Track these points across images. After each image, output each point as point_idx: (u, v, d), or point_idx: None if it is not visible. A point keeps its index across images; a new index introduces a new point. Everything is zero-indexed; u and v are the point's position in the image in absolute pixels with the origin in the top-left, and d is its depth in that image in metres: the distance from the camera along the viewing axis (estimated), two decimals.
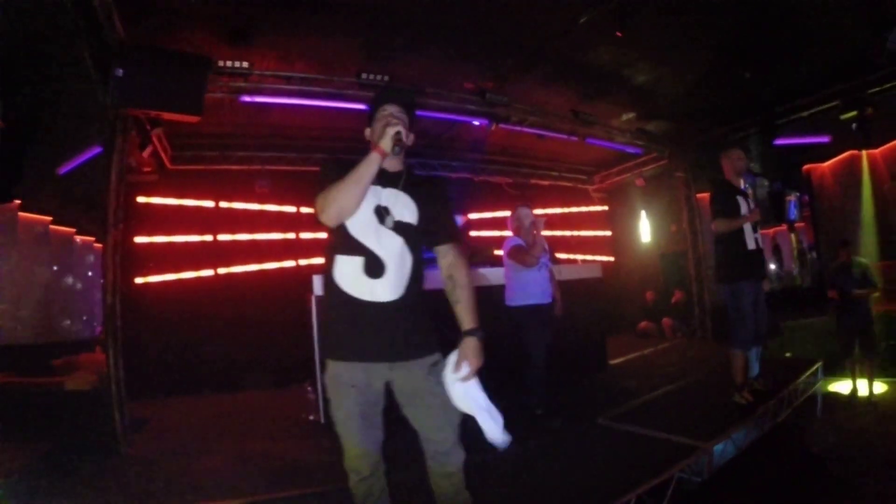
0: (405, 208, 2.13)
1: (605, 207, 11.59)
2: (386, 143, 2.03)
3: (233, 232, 8.10)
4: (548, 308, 4.53)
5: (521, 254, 4.43)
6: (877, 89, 6.73)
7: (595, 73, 6.75)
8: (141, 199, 7.43)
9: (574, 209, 11.31)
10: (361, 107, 6.60)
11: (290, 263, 8.47)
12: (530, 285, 4.45)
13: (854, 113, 6.46)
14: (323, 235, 2.27)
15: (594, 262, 9.97)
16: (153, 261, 7.44)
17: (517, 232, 4.71)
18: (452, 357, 2.10)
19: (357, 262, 2.03)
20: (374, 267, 2.03)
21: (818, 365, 5.43)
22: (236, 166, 8.01)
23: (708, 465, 3.49)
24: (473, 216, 10.28)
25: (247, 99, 6.13)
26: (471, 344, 2.08)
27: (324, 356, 2.12)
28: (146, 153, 6.34)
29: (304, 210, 8.58)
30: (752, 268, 4.31)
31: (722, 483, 3.55)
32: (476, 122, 7.54)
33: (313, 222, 8.25)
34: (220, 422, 5.42)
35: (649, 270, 10.78)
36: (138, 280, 7.29)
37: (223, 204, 8.10)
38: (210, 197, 7.98)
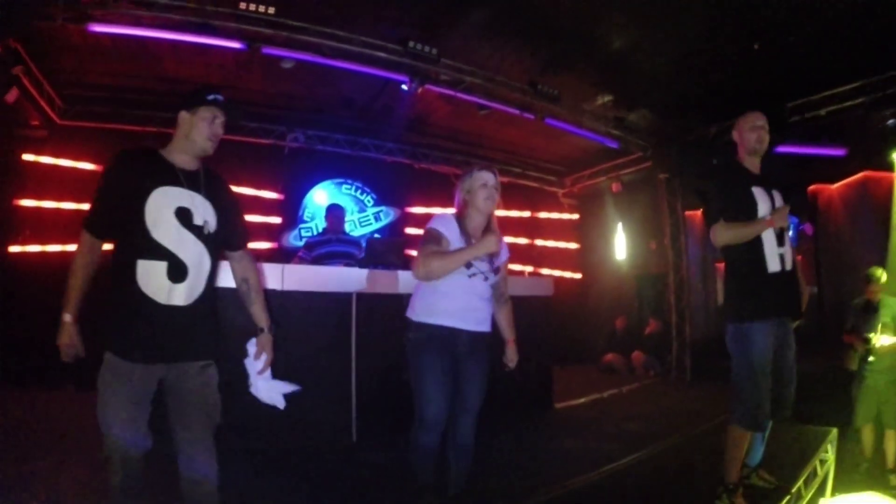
0: (205, 212, 2.15)
1: (576, 216, 10.24)
2: None
3: None
4: (475, 340, 2.73)
5: (435, 242, 2.65)
6: None
7: (557, 29, 5.40)
8: (28, 157, 6.59)
9: (540, 214, 9.97)
10: (236, 45, 5.37)
11: None
12: (449, 298, 2.68)
13: None
14: None
15: (546, 276, 8.64)
16: (36, 228, 6.59)
17: (463, 208, 2.80)
18: (251, 349, 2.38)
19: (160, 266, 2.03)
20: (177, 271, 2.05)
21: (833, 434, 3.98)
22: (131, 126, 6.99)
23: None
24: (412, 210, 8.87)
25: (98, 28, 5.17)
26: (265, 339, 2.36)
27: (104, 348, 2.04)
28: (10, 97, 5.49)
29: None
30: (774, 300, 2.76)
31: None
32: (404, 87, 6.11)
33: None
34: (54, 426, 4.51)
35: (622, 293, 9.40)
36: (13, 248, 6.46)
37: None
38: (100, 160, 6.84)
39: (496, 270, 2.79)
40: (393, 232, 8.66)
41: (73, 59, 6.14)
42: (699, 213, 7.95)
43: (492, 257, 2.74)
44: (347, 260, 5.08)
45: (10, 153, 6.41)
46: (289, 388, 2.44)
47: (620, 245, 9.43)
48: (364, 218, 8.53)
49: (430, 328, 2.66)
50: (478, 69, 6.17)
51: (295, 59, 5.53)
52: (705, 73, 6.03)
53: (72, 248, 5.62)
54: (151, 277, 2.01)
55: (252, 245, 7.84)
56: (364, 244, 5.29)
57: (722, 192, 2.89)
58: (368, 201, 8.63)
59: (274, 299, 4.04)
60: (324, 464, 3.69)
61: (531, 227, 9.87)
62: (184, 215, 2.06)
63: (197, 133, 2.13)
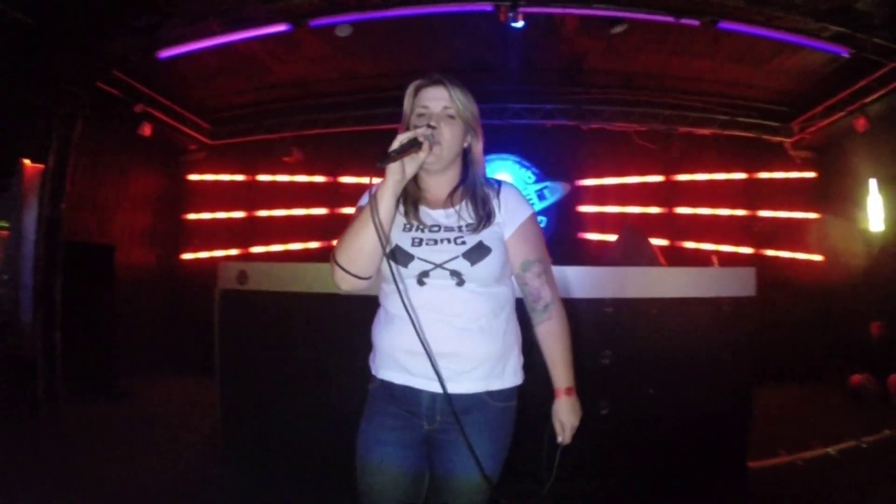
0: None
1: (811, 174, 7.64)
2: None
3: (268, 207, 8.19)
4: (448, 408, 1.42)
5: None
6: None
7: None
8: (192, 178, 8.29)
9: (762, 175, 7.75)
10: (282, 28, 5.11)
11: (314, 244, 7.91)
12: (388, 331, 1.52)
13: None
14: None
15: (754, 264, 6.66)
16: (199, 237, 8.16)
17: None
18: None
19: None
20: None
21: None
22: (271, 135, 7.81)
23: None
24: (585, 182, 7.69)
25: (167, 53, 5.32)
26: None
27: None
28: (145, 131, 6.58)
29: (342, 179, 8.13)
30: None
31: None
32: (515, 24, 5.15)
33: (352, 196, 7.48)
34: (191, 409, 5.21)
35: (879, 283, 6.61)
36: (184, 256, 8.15)
37: (263, 177, 8.22)
38: (246, 171, 8.23)
39: (474, 256, 1.44)
40: (562, 211, 7.68)
41: (198, 88, 6.97)
42: None
43: (481, 225, 1.49)
44: None
45: (178, 177, 8.21)
46: None
47: (875, 211, 6.62)
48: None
49: (379, 382, 1.57)
50: None
51: (346, 22, 5.15)
52: None
53: (234, 251, 8.15)
54: None
55: None
56: None
57: None
58: (529, 177, 7.72)
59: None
60: None
61: (749, 194, 7.71)
62: None
63: None
